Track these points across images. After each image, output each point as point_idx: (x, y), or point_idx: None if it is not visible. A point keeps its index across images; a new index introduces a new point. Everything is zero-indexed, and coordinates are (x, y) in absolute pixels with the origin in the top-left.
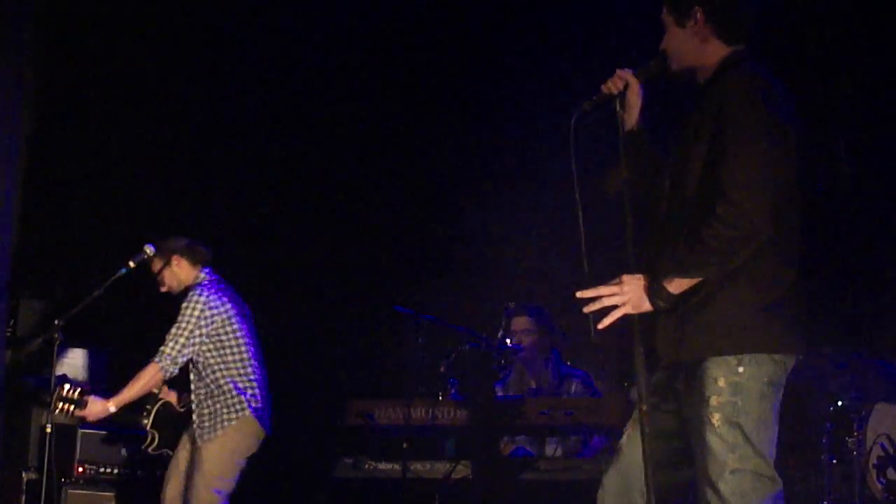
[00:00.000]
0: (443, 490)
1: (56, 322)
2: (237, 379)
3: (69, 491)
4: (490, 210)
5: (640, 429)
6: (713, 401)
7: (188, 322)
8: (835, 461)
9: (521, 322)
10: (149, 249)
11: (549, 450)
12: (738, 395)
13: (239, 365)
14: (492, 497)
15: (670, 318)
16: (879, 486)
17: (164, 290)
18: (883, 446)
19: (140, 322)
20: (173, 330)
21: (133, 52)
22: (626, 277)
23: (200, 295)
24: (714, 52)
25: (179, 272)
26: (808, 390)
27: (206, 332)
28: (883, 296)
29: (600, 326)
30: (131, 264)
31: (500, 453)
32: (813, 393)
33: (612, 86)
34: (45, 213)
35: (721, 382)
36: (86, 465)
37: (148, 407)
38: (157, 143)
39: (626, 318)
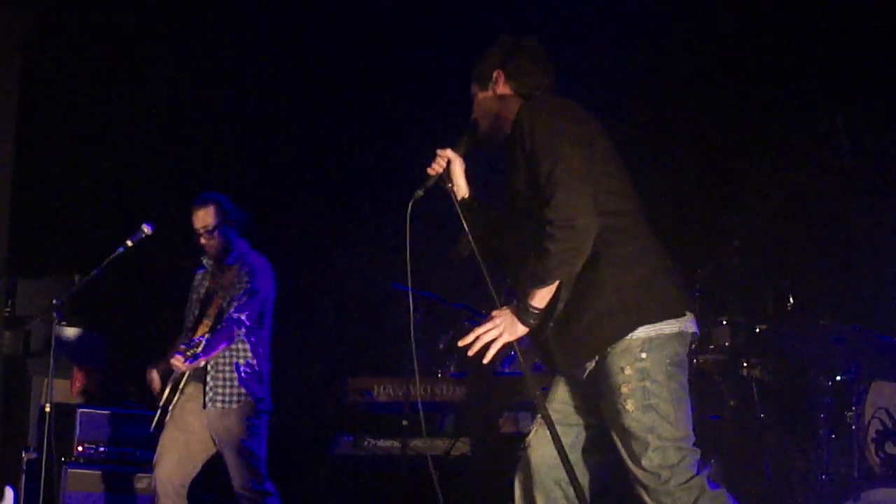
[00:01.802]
0: (442, 467)
1: (54, 302)
2: (262, 358)
3: (69, 470)
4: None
5: (547, 428)
6: (624, 389)
7: (259, 289)
8: (833, 436)
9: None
10: (146, 228)
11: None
12: (645, 379)
13: (265, 344)
14: (491, 474)
15: (554, 337)
16: (878, 459)
17: (206, 244)
18: (881, 420)
19: (137, 302)
20: (244, 297)
21: (128, 37)
22: (495, 312)
23: (266, 266)
24: (514, 104)
25: (230, 237)
26: (807, 365)
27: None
28: (882, 270)
29: (485, 361)
30: (129, 244)
31: (500, 430)
32: (811, 368)
33: (437, 166)
34: (43, 194)
35: (628, 371)
36: (85, 445)
37: (177, 382)
38: (155, 122)
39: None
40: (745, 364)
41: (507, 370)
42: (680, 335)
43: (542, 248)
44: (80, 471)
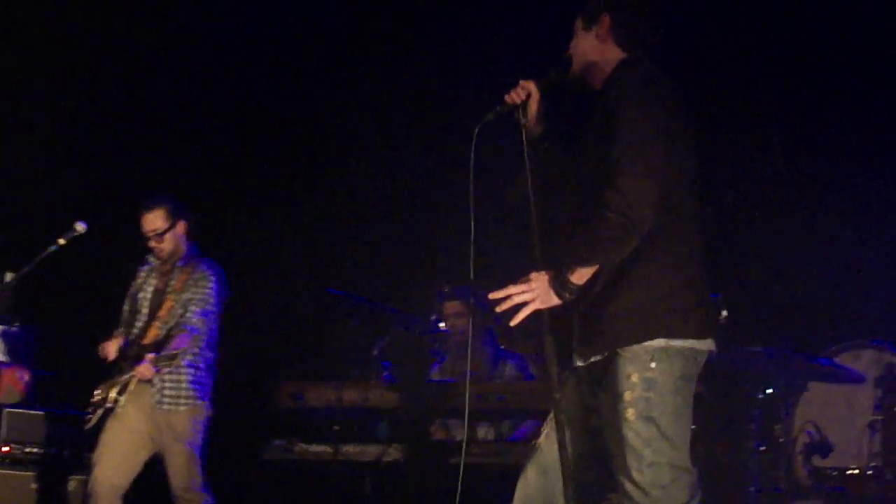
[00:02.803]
0: (374, 473)
1: None
2: (211, 362)
3: None
4: (428, 191)
5: (557, 433)
6: (627, 396)
7: (215, 296)
8: (762, 448)
9: (452, 306)
10: (80, 226)
11: (482, 433)
12: (651, 390)
13: (213, 348)
14: (423, 480)
15: (581, 317)
16: (805, 472)
17: (156, 247)
18: (809, 433)
19: (69, 300)
20: (201, 304)
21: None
22: (533, 275)
23: (221, 272)
24: (613, 55)
25: (180, 239)
26: (738, 377)
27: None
28: (812, 291)
29: (512, 323)
30: (61, 241)
31: (432, 436)
32: (742, 380)
33: (515, 96)
34: None
35: (634, 378)
36: (12, 445)
37: (120, 380)
38: (87, 119)
39: (535, 317)
40: None
41: (436, 375)
42: (693, 351)
43: (593, 228)
44: (4, 471)
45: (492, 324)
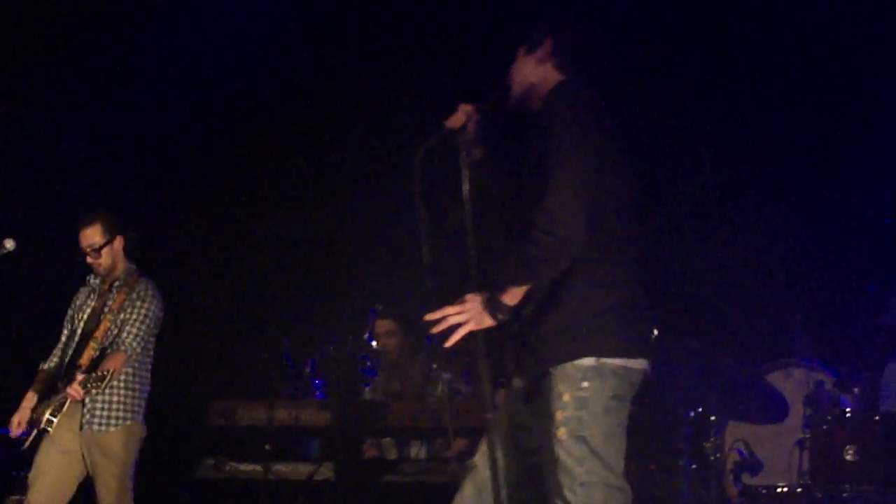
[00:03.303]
0: (306, 492)
1: None
2: (144, 381)
3: None
4: (358, 211)
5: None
6: (559, 416)
7: (152, 316)
8: (693, 466)
9: (383, 325)
10: (9, 244)
11: (414, 451)
12: (583, 409)
13: (147, 368)
14: (354, 499)
15: (514, 338)
16: (736, 489)
17: (93, 262)
18: (740, 452)
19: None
20: (137, 324)
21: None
22: (468, 296)
23: (158, 293)
24: (552, 78)
25: (118, 255)
26: (669, 396)
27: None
28: (743, 308)
29: (447, 344)
30: None
31: (364, 455)
32: (673, 399)
33: (455, 120)
34: None
35: (566, 397)
36: None
37: (54, 400)
38: (18, 131)
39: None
40: None
41: (367, 394)
42: (626, 370)
43: (524, 248)
44: None
45: (424, 345)
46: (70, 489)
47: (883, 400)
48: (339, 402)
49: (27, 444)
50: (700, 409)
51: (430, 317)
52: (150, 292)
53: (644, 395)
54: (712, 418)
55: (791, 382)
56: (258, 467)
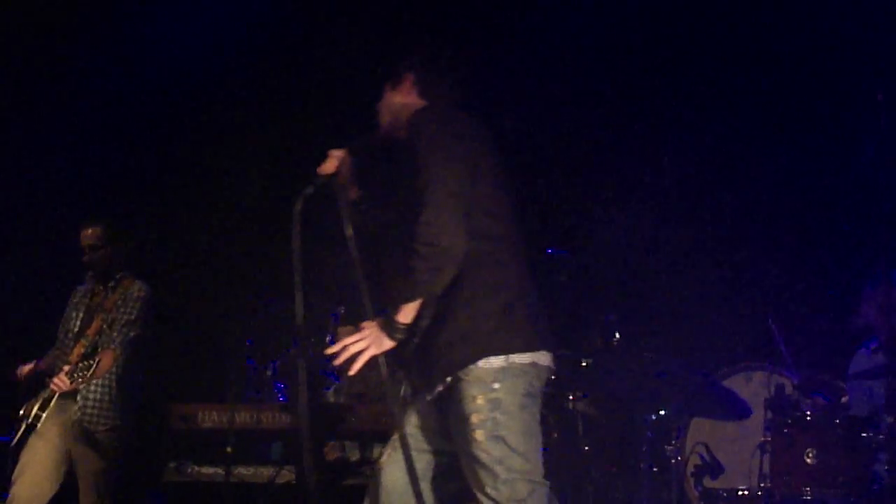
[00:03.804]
0: (267, 495)
1: None
2: (136, 384)
3: None
4: (321, 215)
5: (401, 451)
6: (474, 418)
7: (144, 318)
8: (655, 469)
9: (345, 330)
10: None
11: (377, 453)
12: (496, 410)
13: (141, 371)
14: (316, 502)
15: (416, 353)
16: (696, 493)
17: (89, 261)
18: (701, 455)
19: None
20: (129, 325)
21: None
22: (364, 324)
23: (150, 294)
24: (414, 107)
25: (115, 258)
26: (630, 399)
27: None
28: (705, 313)
29: (351, 373)
30: None
31: (326, 458)
32: (635, 402)
33: (328, 166)
34: None
35: (480, 400)
36: None
37: (42, 395)
38: None
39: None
40: (570, 397)
41: (330, 397)
42: (534, 367)
43: (409, 264)
44: None
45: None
46: (54, 484)
47: (850, 405)
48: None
49: (15, 440)
50: (662, 413)
51: (329, 350)
52: (143, 294)
53: (606, 398)
54: (673, 421)
55: (752, 386)
56: (220, 470)
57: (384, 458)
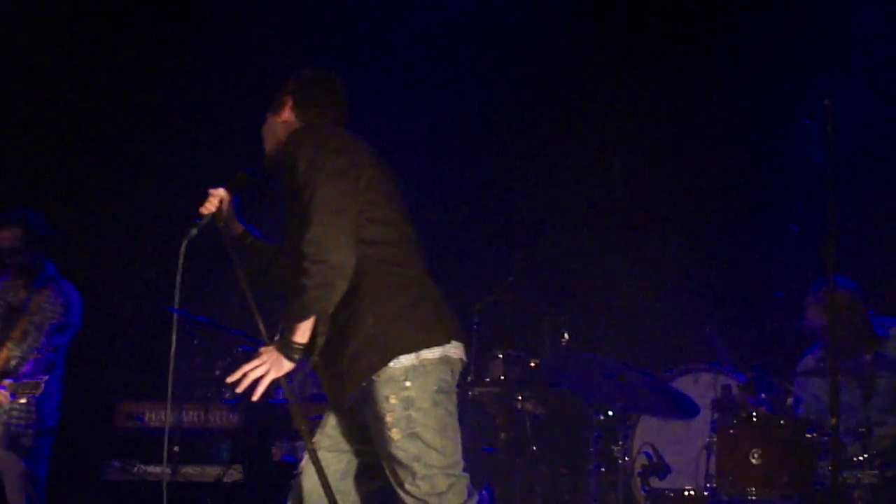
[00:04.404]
0: (215, 494)
1: None
2: (57, 381)
3: None
4: (269, 212)
5: (321, 452)
6: (388, 418)
7: (72, 322)
8: (602, 469)
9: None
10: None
11: None
12: (410, 408)
13: (61, 370)
14: (264, 501)
15: (323, 369)
16: (643, 493)
17: (11, 263)
18: (647, 455)
19: None
20: (58, 329)
21: None
22: (261, 350)
23: (77, 296)
24: (292, 127)
25: (36, 257)
26: (578, 400)
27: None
28: (650, 306)
29: (254, 398)
30: None
31: (273, 457)
32: (583, 402)
33: (210, 205)
34: None
35: (392, 400)
36: None
37: None
38: None
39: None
40: (519, 397)
41: (280, 398)
42: (445, 360)
43: (299, 283)
44: None
45: None
46: None
47: (795, 406)
48: (248, 405)
49: None
50: (610, 413)
51: (230, 379)
52: (71, 300)
53: (555, 398)
54: (620, 421)
55: (698, 386)
56: (166, 469)
57: (303, 463)
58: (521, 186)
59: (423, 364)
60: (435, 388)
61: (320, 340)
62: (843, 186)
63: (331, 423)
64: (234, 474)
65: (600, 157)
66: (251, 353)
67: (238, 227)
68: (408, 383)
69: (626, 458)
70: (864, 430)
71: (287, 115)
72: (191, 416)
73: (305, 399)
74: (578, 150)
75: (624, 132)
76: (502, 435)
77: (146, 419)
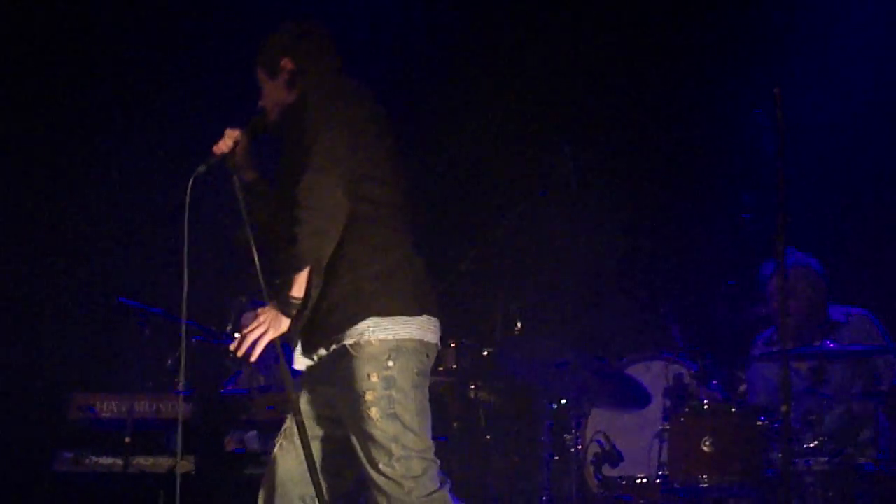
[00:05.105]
0: (167, 485)
1: None
2: None
3: None
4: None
5: (296, 439)
6: (369, 396)
7: None
8: (555, 458)
9: (249, 318)
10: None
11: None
12: (391, 388)
13: None
14: (217, 492)
15: (306, 322)
16: (596, 481)
17: None
18: (600, 443)
19: None
20: None
21: None
22: (259, 310)
23: None
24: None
25: None
26: (532, 389)
27: None
28: (603, 295)
29: (252, 359)
30: None
31: (225, 448)
32: (536, 391)
33: (223, 145)
34: None
35: (374, 378)
36: None
37: None
38: None
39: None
40: (472, 386)
41: (231, 388)
42: (424, 345)
43: (292, 232)
44: None
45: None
46: None
47: (748, 393)
48: (200, 395)
49: None
50: (563, 402)
51: (234, 347)
52: None
53: (507, 387)
54: (573, 410)
55: (650, 375)
56: (118, 461)
57: (276, 449)
58: (471, 174)
59: (404, 344)
60: (416, 370)
61: (315, 293)
62: (794, 174)
63: (302, 408)
64: (187, 465)
65: (550, 144)
66: (203, 343)
67: (252, 174)
68: (390, 363)
69: (579, 447)
70: (814, 417)
71: (291, 80)
72: (143, 407)
73: (254, 390)
74: (529, 136)
75: (574, 120)
76: (455, 424)
77: (98, 410)
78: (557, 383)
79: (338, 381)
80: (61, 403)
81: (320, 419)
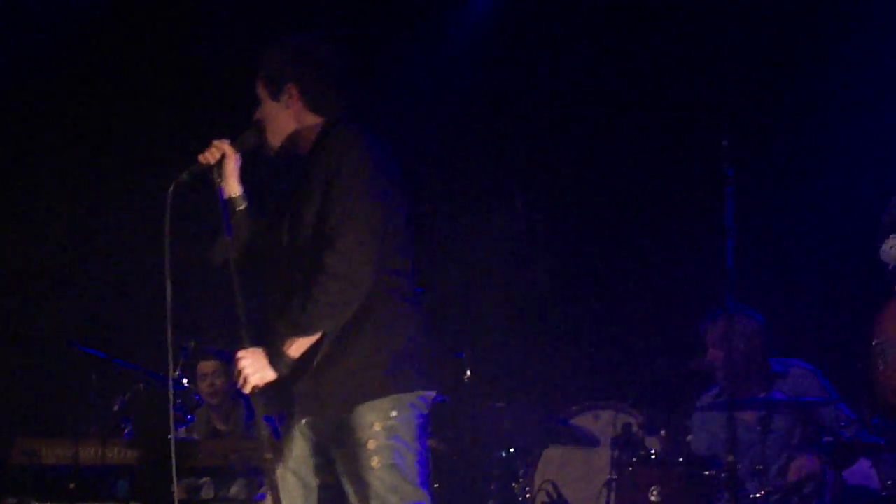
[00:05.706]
0: None
1: None
2: None
3: None
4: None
5: (290, 489)
6: (371, 445)
7: None
8: None
9: (209, 365)
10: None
11: (234, 490)
12: (393, 438)
13: None
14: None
15: (310, 377)
16: None
17: None
18: (547, 493)
19: None
20: None
21: None
22: (240, 353)
23: None
24: (310, 120)
25: None
26: (479, 436)
27: None
28: (553, 351)
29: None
30: None
31: (174, 495)
32: (483, 438)
33: (210, 156)
34: None
35: (377, 427)
36: None
37: None
38: None
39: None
40: None
41: (182, 434)
42: (425, 397)
43: (310, 294)
44: None
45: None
46: None
47: (694, 443)
48: (148, 441)
49: None
50: (511, 450)
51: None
52: None
53: (455, 434)
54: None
55: (599, 424)
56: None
57: (267, 500)
58: (422, 226)
59: (407, 397)
60: (417, 421)
61: (318, 358)
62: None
63: (296, 454)
64: None
65: (503, 194)
66: (149, 390)
67: (235, 189)
68: (393, 413)
69: (528, 495)
70: (761, 467)
71: (293, 104)
72: (88, 453)
73: (210, 436)
74: (482, 185)
75: (527, 165)
76: None
77: (42, 455)
78: (506, 432)
79: (339, 431)
80: (4, 448)
81: (317, 467)
